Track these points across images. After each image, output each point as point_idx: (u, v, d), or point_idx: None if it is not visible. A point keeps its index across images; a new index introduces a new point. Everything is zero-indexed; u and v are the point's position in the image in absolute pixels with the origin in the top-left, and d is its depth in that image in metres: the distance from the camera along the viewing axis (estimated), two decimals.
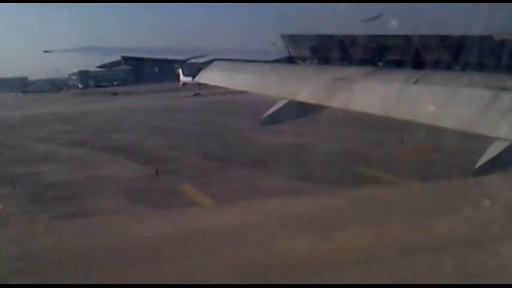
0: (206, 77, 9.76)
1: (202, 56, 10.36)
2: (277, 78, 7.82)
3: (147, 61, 14.16)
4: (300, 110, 6.81)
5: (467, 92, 4.43)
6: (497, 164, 4.11)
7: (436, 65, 5.38)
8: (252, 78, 8.51)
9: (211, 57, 10.02)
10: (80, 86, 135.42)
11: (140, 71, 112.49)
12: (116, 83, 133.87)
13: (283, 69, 8.17)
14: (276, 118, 7.02)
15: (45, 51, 16.88)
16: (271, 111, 7.05)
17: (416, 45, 5.81)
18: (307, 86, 6.73)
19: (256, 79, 8.34)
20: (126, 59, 16.25)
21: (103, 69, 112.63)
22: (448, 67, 5.28)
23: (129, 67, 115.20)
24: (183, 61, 11.19)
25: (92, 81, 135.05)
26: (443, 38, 5.49)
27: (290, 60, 8.22)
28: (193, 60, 11.00)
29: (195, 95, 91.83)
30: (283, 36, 8.01)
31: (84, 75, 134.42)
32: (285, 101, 6.86)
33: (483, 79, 4.52)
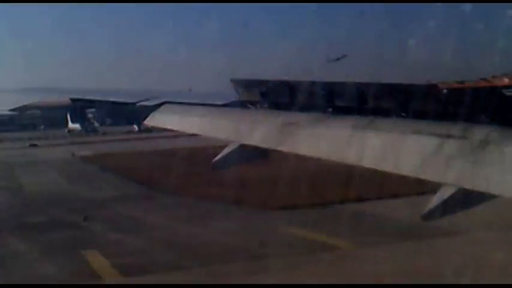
0: (156, 120, 9.70)
1: (153, 99, 10.33)
2: (228, 122, 7.84)
3: (97, 103, 14.04)
4: (251, 154, 6.82)
5: (414, 139, 4.54)
6: (445, 208, 4.20)
7: (383, 111, 5.52)
8: (203, 122, 8.51)
9: (161, 100, 10.00)
10: None
11: (51, 115, 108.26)
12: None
13: (234, 113, 8.22)
14: (227, 162, 7.00)
15: None
16: (222, 155, 7.03)
17: (365, 92, 5.96)
18: (257, 130, 6.76)
19: (207, 123, 8.34)
20: (74, 101, 15.98)
21: (14, 112, 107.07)
22: (395, 114, 5.42)
23: (39, 111, 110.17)
24: (133, 104, 11.11)
25: None
26: (390, 86, 5.66)
27: (240, 104, 8.28)
28: (143, 103, 10.95)
29: (31, 145, 75.65)
30: (233, 81, 8.10)
31: None
32: (236, 145, 6.86)
33: (428, 126, 4.65)
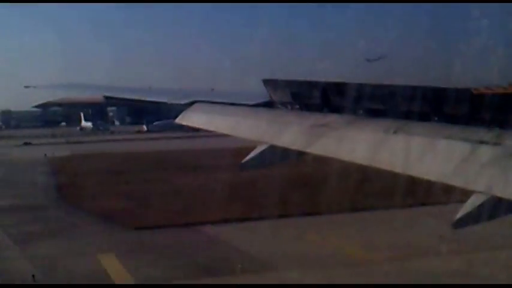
0: (187, 118, 9.74)
1: (184, 98, 10.36)
2: (259, 123, 7.83)
3: (128, 101, 14.11)
4: (280, 155, 6.80)
5: (446, 144, 4.46)
6: (476, 216, 4.11)
7: (415, 115, 5.43)
8: (233, 122, 8.51)
9: (192, 99, 10.02)
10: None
11: (72, 113, 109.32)
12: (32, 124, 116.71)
13: (264, 113, 8.19)
14: (256, 163, 6.98)
15: (26, 87, 16.80)
16: (251, 155, 7.02)
17: (397, 95, 5.88)
18: (287, 131, 6.74)
19: (237, 122, 8.34)
20: (108, 98, 16.18)
21: (37, 109, 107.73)
22: (427, 118, 5.33)
23: (59, 108, 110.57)
24: (165, 103, 11.19)
25: (14, 122, 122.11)
26: (423, 90, 5.57)
27: (271, 104, 8.26)
28: (174, 102, 10.99)
29: (25, 144, 77.30)
30: (265, 81, 8.06)
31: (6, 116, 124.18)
32: (266, 146, 6.85)
33: (461, 132, 4.56)
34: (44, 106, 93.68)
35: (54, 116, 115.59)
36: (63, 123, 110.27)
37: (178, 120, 10.05)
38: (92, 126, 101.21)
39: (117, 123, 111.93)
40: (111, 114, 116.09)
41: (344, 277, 20.27)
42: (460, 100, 5.02)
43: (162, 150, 61.38)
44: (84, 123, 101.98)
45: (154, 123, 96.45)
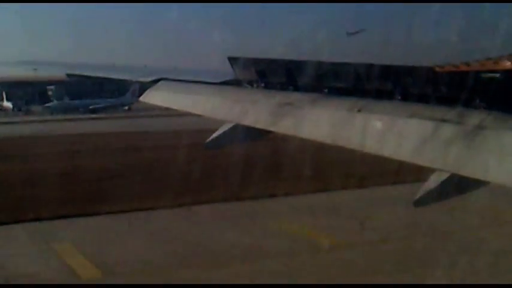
0: (151, 96, 9.60)
1: (148, 75, 10.20)
2: (223, 101, 7.76)
3: (93, 79, 13.86)
4: (245, 134, 6.76)
5: (409, 123, 4.48)
6: (437, 194, 4.15)
7: (379, 94, 5.44)
8: (199, 100, 8.42)
9: (157, 77, 9.87)
10: None
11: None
12: None
13: (229, 92, 8.11)
14: (220, 142, 6.94)
15: None
16: (216, 134, 6.97)
17: (361, 73, 5.87)
18: (253, 110, 6.69)
19: (203, 101, 8.25)
20: (70, 76, 15.85)
21: None
22: (391, 97, 5.35)
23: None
24: (129, 80, 11.00)
25: None
26: (386, 68, 5.57)
27: (237, 83, 8.18)
28: (140, 79, 10.82)
29: None
30: (230, 59, 7.97)
31: None
32: (231, 125, 6.80)
33: (424, 110, 4.58)
34: None
35: None
36: None
37: (142, 98, 9.89)
38: (11, 106, 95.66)
39: (55, 102, 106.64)
40: (50, 93, 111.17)
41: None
42: (423, 78, 5.04)
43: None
44: (5, 103, 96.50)
45: (48, 104, 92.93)
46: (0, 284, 19.07)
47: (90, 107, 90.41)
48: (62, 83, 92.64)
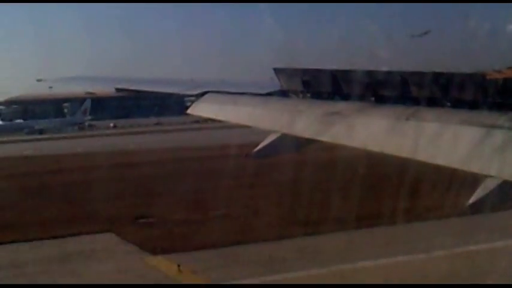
0: (199, 109, 9.77)
1: (195, 88, 10.38)
2: (270, 112, 7.84)
3: (141, 93, 14.14)
4: (292, 143, 6.81)
5: (459, 130, 4.44)
6: (489, 201, 4.11)
7: (427, 101, 5.41)
8: (245, 111, 8.53)
9: (204, 89, 10.04)
10: None
11: (29, 110, 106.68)
12: None
13: (276, 102, 8.19)
14: (268, 152, 7.01)
15: (38, 80, 16.91)
16: (263, 144, 7.04)
17: (408, 81, 5.85)
18: (299, 120, 6.74)
19: (249, 112, 8.35)
20: (119, 91, 16.25)
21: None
22: (439, 104, 5.32)
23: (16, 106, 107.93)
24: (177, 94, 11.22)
25: None
26: (434, 75, 5.54)
27: (282, 93, 8.26)
28: (186, 92, 11.01)
29: None
30: (276, 70, 8.06)
31: None
32: (278, 135, 6.86)
33: (473, 117, 4.54)
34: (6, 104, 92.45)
35: (15, 113, 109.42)
36: (18, 121, 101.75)
37: (190, 111, 10.08)
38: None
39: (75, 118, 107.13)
40: (65, 110, 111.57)
41: None
42: (472, 85, 4.99)
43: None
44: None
45: None
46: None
47: (36, 127, 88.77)
48: (77, 101, 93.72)
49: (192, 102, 10.27)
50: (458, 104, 5.13)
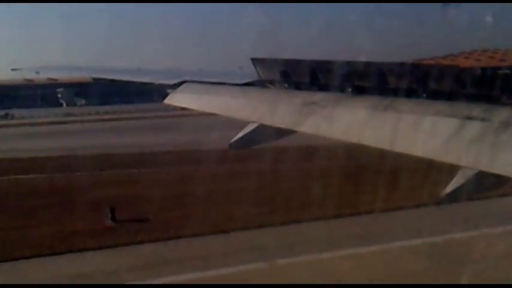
0: (176, 99, 9.69)
1: (172, 78, 10.30)
2: (248, 102, 7.80)
3: (118, 82, 14.01)
4: (270, 134, 6.80)
5: (435, 121, 4.47)
6: (465, 190, 4.15)
7: (404, 92, 5.44)
8: (222, 102, 8.48)
9: (181, 79, 9.96)
10: None
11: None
12: None
13: (253, 92, 8.16)
14: (244, 142, 6.98)
15: (13, 69, 16.63)
16: (240, 134, 7.02)
17: (384, 72, 5.87)
18: (277, 110, 6.72)
19: (226, 102, 8.31)
20: (96, 80, 16.06)
21: None
22: (415, 95, 5.34)
23: None
24: (152, 83, 11.11)
25: None
26: (410, 66, 5.57)
27: (260, 83, 8.23)
28: (163, 82, 10.93)
29: None
30: (253, 60, 8.02)
31: None
32: (255, 125, 6.84)
33: (449, 108, 4.57)
34: None
35: None
36: None
37: (166, 101, 10.00)
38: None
39: (64, 105, 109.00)
40: (59, 95, 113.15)
41: None
42: (448, 76, 5.03)
43: None
44: None
45: None
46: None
47: None
48: (71, 86, 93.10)
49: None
50: (436, 95, 5.16)
